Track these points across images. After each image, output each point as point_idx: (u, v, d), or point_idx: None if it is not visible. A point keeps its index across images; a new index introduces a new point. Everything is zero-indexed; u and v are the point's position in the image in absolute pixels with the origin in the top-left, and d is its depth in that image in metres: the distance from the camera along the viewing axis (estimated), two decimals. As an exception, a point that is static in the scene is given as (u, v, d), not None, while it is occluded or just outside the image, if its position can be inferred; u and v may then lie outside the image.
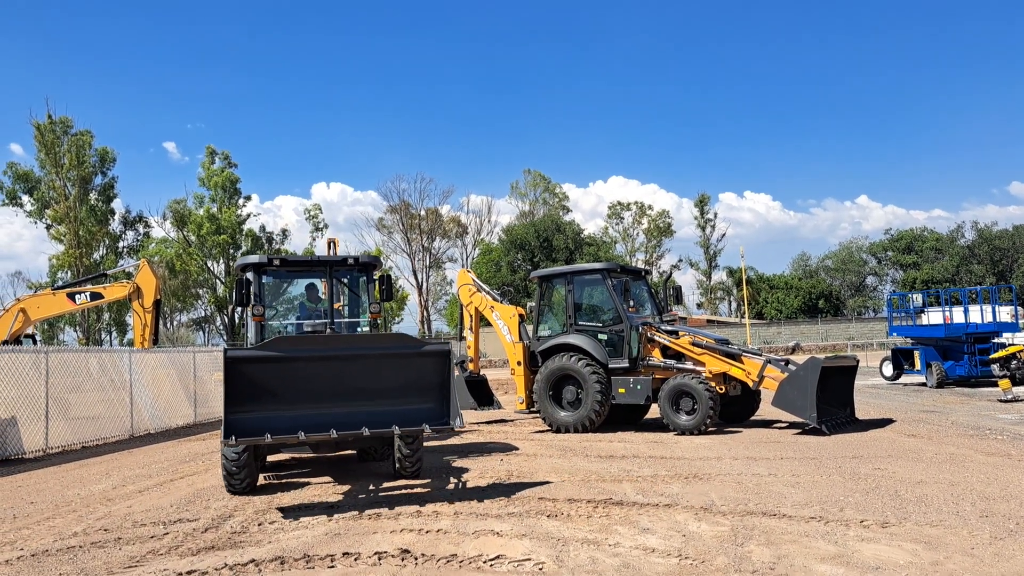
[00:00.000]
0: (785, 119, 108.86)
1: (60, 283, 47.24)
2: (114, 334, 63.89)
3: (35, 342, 21.99)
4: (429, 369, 8.76)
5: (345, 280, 11.12)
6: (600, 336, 14.65)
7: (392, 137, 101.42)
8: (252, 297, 10.45)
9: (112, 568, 6.12)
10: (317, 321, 10.75)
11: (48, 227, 56.69)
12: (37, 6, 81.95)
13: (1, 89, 75.59)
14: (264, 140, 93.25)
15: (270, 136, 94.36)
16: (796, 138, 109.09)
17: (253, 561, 6.10)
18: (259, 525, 7.45)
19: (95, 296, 20.56)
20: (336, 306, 11.05)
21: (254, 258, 10.77)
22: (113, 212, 59.87)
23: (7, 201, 56.11)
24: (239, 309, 11.23)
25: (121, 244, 61.16)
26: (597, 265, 15.27)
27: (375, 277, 11.30)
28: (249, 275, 10.57)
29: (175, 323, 70.77)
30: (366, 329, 10.87)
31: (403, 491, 9.01)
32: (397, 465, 9.74)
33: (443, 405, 8.75)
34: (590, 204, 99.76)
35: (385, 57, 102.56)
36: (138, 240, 62.98)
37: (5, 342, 18.81)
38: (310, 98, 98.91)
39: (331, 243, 13.24)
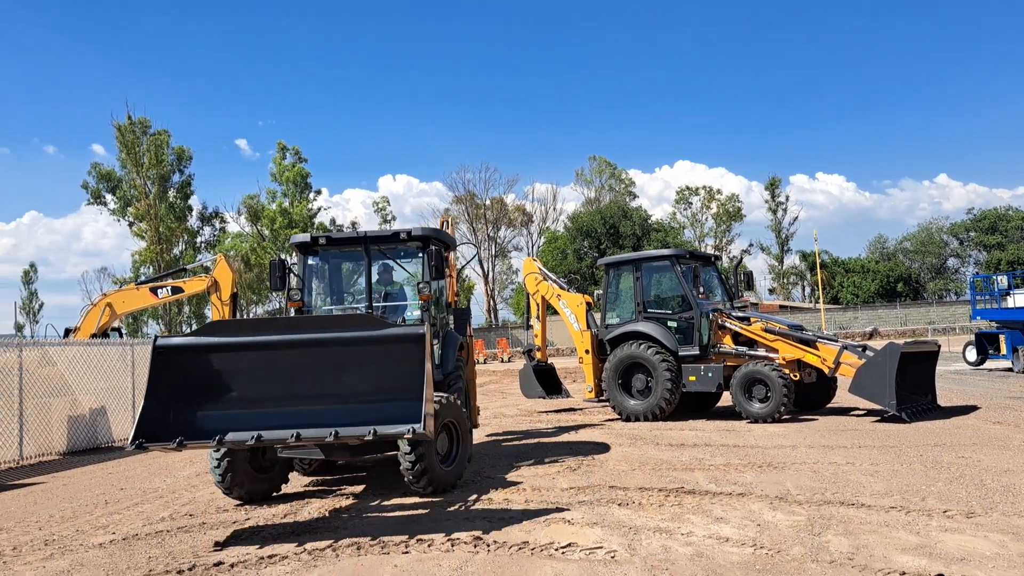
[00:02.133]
0: (857, 97, 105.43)
1: (143, 278, 49.07)
2: (194, 326, 66.12)
3: (121, 335, 22.91)
4: (400, 358, 7.05)
5: (400, 258, 10.00)
6: (669, 323, 14.49)
7: (456, 128, 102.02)
8: (288, 281, 9.61)
9: (198, 551, 6.36)
10: (350, 306, 9.75)
11: (130, 224, 58.89)
12: (115, 10, 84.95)
13: (83, 92, 78.72)
14: (332, 134, 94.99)
15: (337, 130, 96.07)
16: (869, 117, 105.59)
17: (330, 547, 6.26)
18: (334, 513, 7.63)
19: (176, 290, 21.28)
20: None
21: (299, 237, 9.93)
22: (190, 209, 61.81)
23: (92, 200, 58.51)
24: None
25: (199, 240, 63.12)
26: (666, 251, 15.09)
27: (443, 254, 10.32)
28: (284, 256, 9.86)
29: (251, 315, 72.84)
30: (416, 314, 9.52)
31: (472, 479, 9.10)
32: (405, 478, 8.11)
33: (417, 404, 6.79)
34: (656, 189, 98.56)
35: (448, 47, 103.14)
36: (214, 235, 64.91)
37: (93, 335, 19.64)
38: (375, 91, 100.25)
39: (444, 222, 13.02)
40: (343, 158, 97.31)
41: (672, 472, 8.98)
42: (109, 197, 58.49)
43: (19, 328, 69.97)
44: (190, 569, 5.83)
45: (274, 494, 8.58)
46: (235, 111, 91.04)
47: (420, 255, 9.89)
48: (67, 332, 20.99)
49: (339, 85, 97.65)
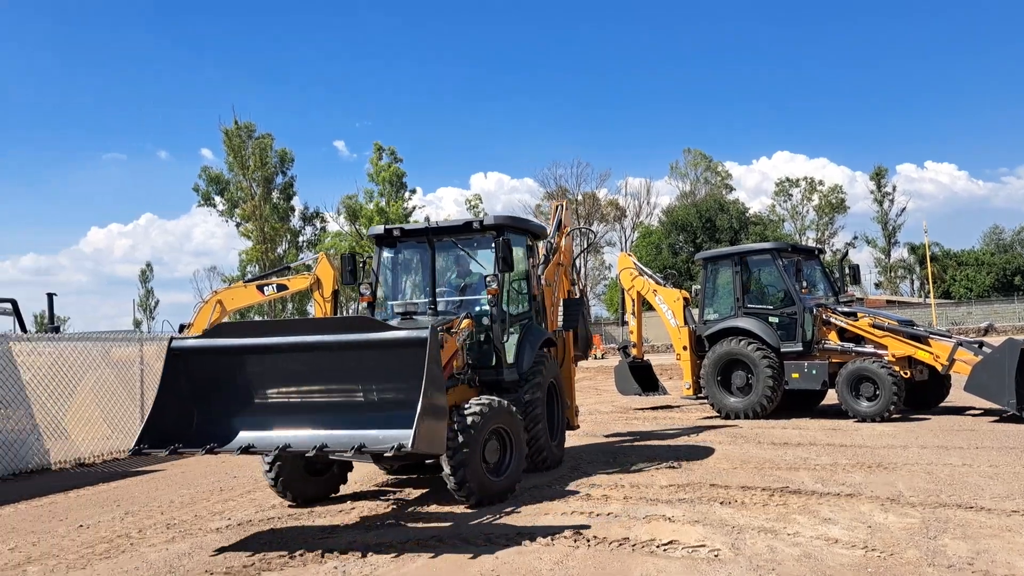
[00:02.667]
0: (967, 81, 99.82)
1: (250, 276, 51.09)
2: (297, 323, 68.36)
3: (231, 331, 23.94)
4: (400, 364, 6.54)
5: (475, 249, 9.44)
6: (771, 319, 14.12)
7: (548, 123, 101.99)
8: (359, 275, 9.35)
9: (308, 538, 6.60)
10: (411, 302, 9.05)
11: (237, 225, 61.43)
12: (221, 19, 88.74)
13: (192, 99, 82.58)
14: (424, 134, 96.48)
15: (430, 130, 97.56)
16: (981, 101, 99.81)
17: (435, 536, 6.39)
18: (438, 503, 7.78)
19: (281, 288, 22.09)
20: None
21: (376, 228, 9.66)
22: (293, 209, 63.96)
23: (202, 202, 61.34)
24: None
25: (300, 239, 65.26)
26: (767, 245, 14.72)
27: (532, 244, 9.95)
28: (354, 251, 9.57)
29: (351, 311, 74.90)
30: (487, 310, 8.91)
31: (569, 475, 9.12)
32: (448, 485, 7.48)
33: (410, 415, 6.10)
34: (754, 182, 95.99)
35: (538, 44, 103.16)
36: (315, 235, 66.96)
37: (205, 331, 20.61)
38: (466, 89, 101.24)
39: (558, 207, 12.25)
40: (436, 157, 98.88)
41: (775, 471, 8.76)
42: (218, 199, 61.17)
43: (137, 324, 74.08)
44: (300, 555, 6.06)
45: (332, 495, 8.26)
46: (333, 114, 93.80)
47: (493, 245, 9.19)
48: (182, 328, 22.10)
49: (431, 84, 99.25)
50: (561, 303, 11.29)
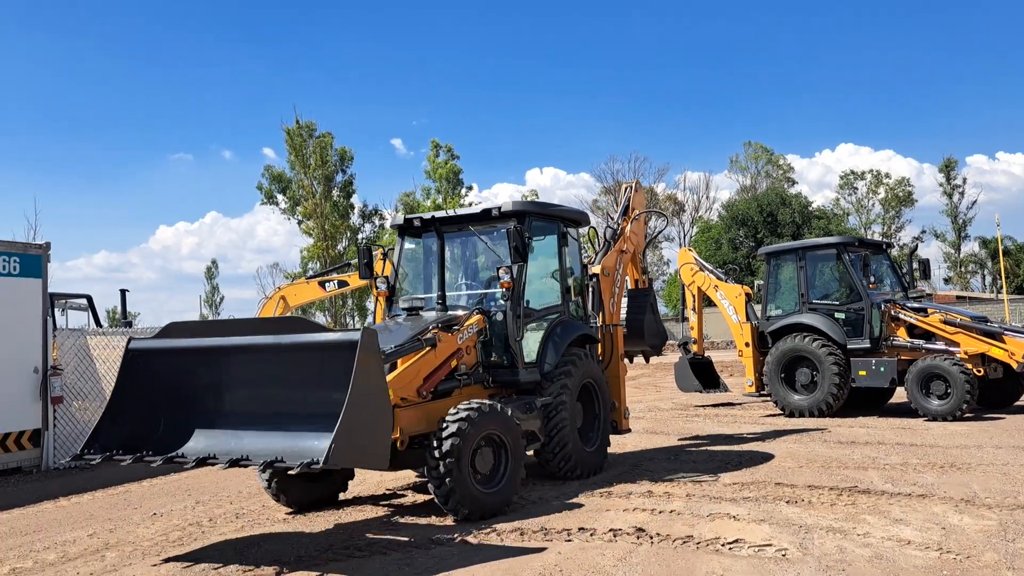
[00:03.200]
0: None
1: (311, 272, 51.98)
2: (356, 317, 69.50)
3: (293, 326, 24.44)
4: (328, 371, 5.88)
5: (494, 238, 8.68)
6: (837, 315, 13.79)
7: (605, 118, 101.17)
8: (376, 268, 8.98)
9: (372, 529, 6.68)
10: (417, 297, 8.68)
11: (299, 222, 62.52)
12: (281, 19, 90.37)
13: (254, 99, 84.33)
14: (479, 130, 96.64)
15: (485, 126, 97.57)
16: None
17: (494, 530, 6.42)
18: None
19: (342, 284, 22.41)
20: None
21: (398, 218, 9.22)
22: (352, 207, 64.79)
23: (265, 200, 62.61)
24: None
25: (360, 236, 66.14)
26: (833, 239, 14.39)
27: (566, 231, 9.09)
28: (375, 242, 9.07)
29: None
30: (501, 304, 8.25)
31: (630, 472, 9.06)
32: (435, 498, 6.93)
33: (329, 429, 5.44)
34: (816, 175, 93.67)
35: (594, 39, 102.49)
36: (375, 232, 67.83)
37: (269, 326, 21.05)
38: (521, 85, 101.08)
39: (627, 187, 11.37)
40: (491, 153, 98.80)
41: (843, 470, 8.56)
42: (280, 197, 62.39)
43: (203, 319, 76.09)
44: (368, 545, 6.15)
45: (339, 498, 7.93)
46: (390, 112, 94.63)
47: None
48: (247, 323, 22.62)
49: (486, 80, 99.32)
50: (625, 294, 10.83)
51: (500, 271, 8.03)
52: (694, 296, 16.52)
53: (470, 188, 67.58)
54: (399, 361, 7.11)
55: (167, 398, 6.53)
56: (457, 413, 6.79)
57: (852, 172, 75.52)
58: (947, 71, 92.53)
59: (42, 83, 76.93)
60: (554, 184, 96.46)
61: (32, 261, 10.90)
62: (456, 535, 6.33)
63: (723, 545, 5.76)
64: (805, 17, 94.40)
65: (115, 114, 79.77)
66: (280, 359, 6.24)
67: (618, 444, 11.10)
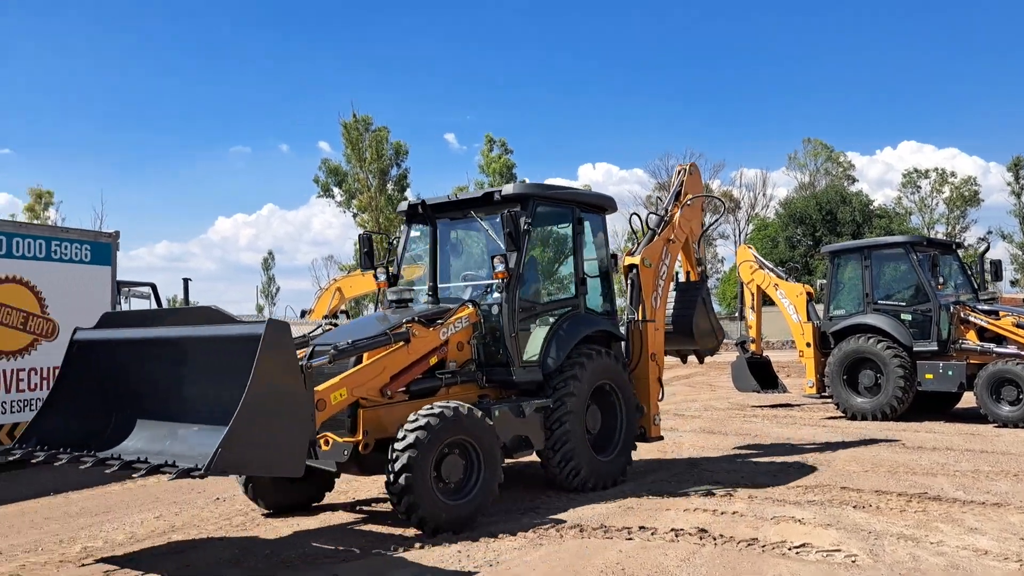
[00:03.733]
0: None
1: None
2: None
3: (348, 317, 24.77)
4: (227, 367, 5.33)
5: (496, 226, 7.82)
6: (902, 316, 13.39)
7: (659, 113, 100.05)
8: (376, 257, 8.44)
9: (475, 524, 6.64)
10: (406, 288, 8.12)
11: (354, 215, 63.27)
12: (336, 15, 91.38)
13: (311, 93, 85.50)
14: (532, 125, 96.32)
15: (537, 120, 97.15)
16: None
17: (554, 527, 6.37)
18: (556, 495, 7.75)
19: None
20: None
21: (403, 204, 8.78)
22: (406, 200, 65.35)
23: (321, 193, 63.53)
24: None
25: (414, 229, 66.62)
26: (899, 238, 14.00)
27: (582, 217, 8.34)
28: (364, 233, 8.39)
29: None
30: (497, 297, 7.62)
31: (690, 471, 8.93)
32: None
33: (217, 431, 4.96)
34: (877, 172, 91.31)
35: (649, 33, 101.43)
36: (428, 225, 68.26)
37: (324, 317, 21.35)
38: (575, 79, 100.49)
39: (680, 170, 10.50)
40: (544, 148, 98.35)
41: (911, 476, 8.30)
42: (336, 190, 63.23)
43: (260, 309, 77.53)
44: (429, 536, 6.15)
45: (314, 504, 7.45)
46: (444, 107, 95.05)
47: (523, 218, 7.71)
48: (303, 313, 23.04)
49: (540, 76, 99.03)
50: (674, 287, 10.07)
51: (494, 260, 7.36)
52: (753, 295, 16.23)
53: (523, 183, 67.49)
54: (365, 356, 6.55)
55: (112, 391, 6.17)
56: (416, 420, 6.12)
57: (915, 170, 73.44)
58: (1013, 67, 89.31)
59: (109, 79, 79.24)
60: (607, 179, 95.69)
61: (102, 249, 11.19)
62: (514, 529, 6.29)
63: (790, 549, 5.62)
64: (865, 12, 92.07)
65: (178, 109, 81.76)
66: (198, 353, 5.79)
67: (673, 443, 11.00)
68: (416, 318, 7.03)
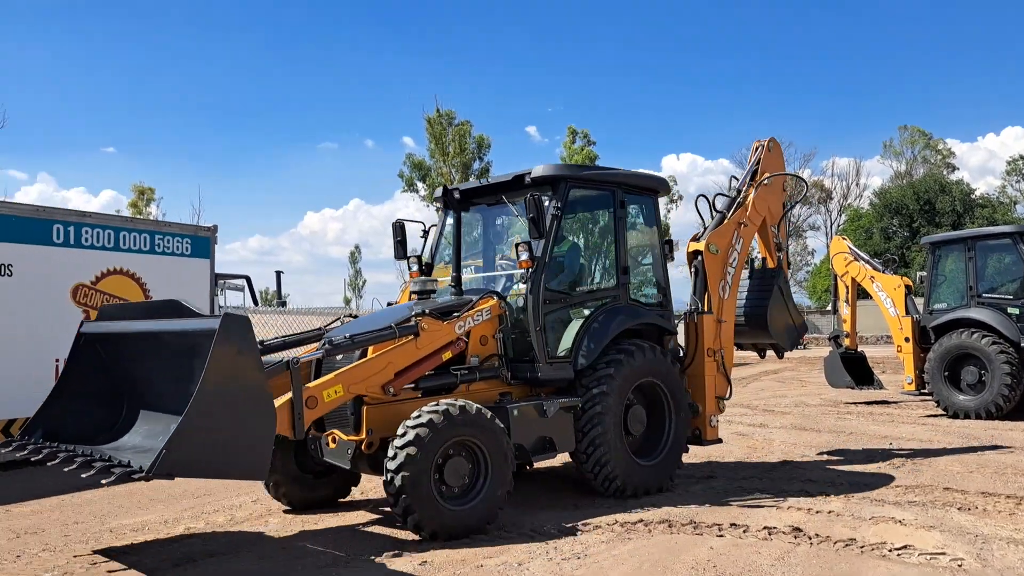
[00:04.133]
0: None
1: (448, 259, 53.06)
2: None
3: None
4: (187, 364, 5.18)
5: (515, 211, 7.47)
6: (1010, 310, 12.70)
7: (746, 103, 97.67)
8: (406, 247, 7.95)
9: (509, 513, 6.71)
10: (430, 279, 7.60)
11: (437, 210, 64.03)
12: (418, 8, 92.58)
13: (395, 89, 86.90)
14: (615, 116, 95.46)
15: (621, 112, 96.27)
16: None
17: (642, 521, 6.31)
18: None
19: (478, 268, 22.95)
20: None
21: (439, 190, 8.24)
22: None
23: (405, 188, 64.55)
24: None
25: (496, 222, 67.03)
26: (1007, 228, 13.30)
27: (625, 200, 7.70)
28: (398, 221, 7.90)
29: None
30: (520, 288, 7.17)
31: (782, 468, 8.71)
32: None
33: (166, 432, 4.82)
34: (979, 160, 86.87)
35: (734, 21, 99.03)
36: (510, 218, 68.57)
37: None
38: (658, 70, 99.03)
39: (758, 147, 9.55)
40: (627, 139, 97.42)
41: (1020, 478, 7.89)
42: (420, 185, 64.17)
43: (347, 301, 79.42)
44: (504, 532, 6.17)
45: (339, 500, 7.28)
46: (525, 100, 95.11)
47: (552, 202, 7.30)
48: (389, 306, 23.41)
49: (622, 67, 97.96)
50: (748, 275, 9.35)
51: (518, 248, 6.88)
52: (847, 287, 15.68)
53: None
54: (370, 351, 6.32)
55: (118, 384, 6.10)
56: (419, 417, 5.79)
57: (1021, 157, 69.61)
58: None
59: (205, 80, 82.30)
60: (691, 170, 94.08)
61: (202, 243, 11.65)
62: (604, 521, 6.26)
63: (890, 551, 5.41)
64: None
65: (269, 107, 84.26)
66: (172, 347, 5.60)
67: (763, 440, 10.75)
68: (427, 311, 6.66)
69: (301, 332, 6.94)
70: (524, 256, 6.85)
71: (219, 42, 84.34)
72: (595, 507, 6.88)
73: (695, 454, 9.62)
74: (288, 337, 6.62)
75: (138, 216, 42.04)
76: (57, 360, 7.40)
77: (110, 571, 5.44)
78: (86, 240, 10.28)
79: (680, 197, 71.24)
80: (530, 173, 7.34)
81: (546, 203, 7.14)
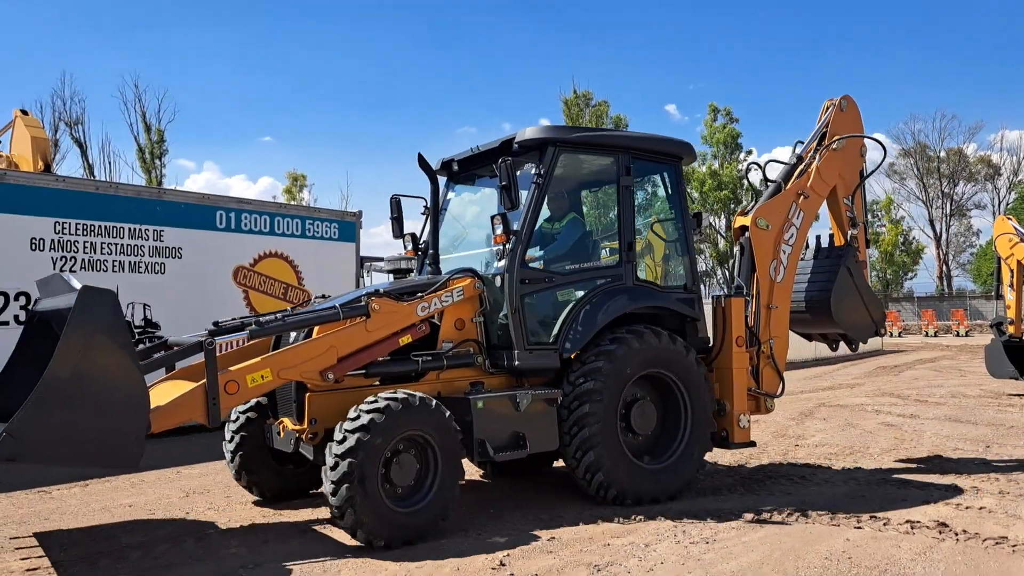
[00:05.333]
0: None
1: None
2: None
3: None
4: (49, 342, 4.80)
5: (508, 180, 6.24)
6: None
7: (903, 73, 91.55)
8: (403, 223, 7.41)
9: (692, 503, 6.73)
10: (406, 257, 7.25)
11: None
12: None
13: (532, 71, 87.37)
14: (759, 92, 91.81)
15: (766, 87, 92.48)
16: None
17: (776, 510, 6.19)
18: (778, 478, 7.53)
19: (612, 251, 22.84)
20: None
21: (437, 163, 7.51)
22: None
23: (543, 170, 65.06)
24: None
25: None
26: None
27: (625, 166, 6.82)
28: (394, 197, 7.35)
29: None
30: (500, 264, 6.35)
31: (929, 460, 8.27)
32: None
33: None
34: None
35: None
36: (646, 199, 67.62)
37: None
38: (805, 41, 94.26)
39: (828, 108, 8.42)
40: (772, 114, 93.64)
41: None
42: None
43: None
44: (634, 518, 6.22)
45: (311, 491, 6.76)
46: (665, 78, 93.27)
47: (533, 168, 6.61)
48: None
49: (767, 41, 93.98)
50: (813, 255, 8.35)
51: (493, 221, 6.22)
52: (1012, 271, 14.55)
53: (749, 152, 64.92)
54: (316, 332, 5.81)
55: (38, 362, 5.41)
56: (367, 407, 5.28)
57: None
58: None
59: (350, 70, 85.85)
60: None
61: (348, 227, 12.30)
62: (733, 509, 6.20)
63: (1047, 552, 5.08)
64: None
65: (410, 95, 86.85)
66: (59, 324, 5.00)
67: (913, 431, 10.26)
68: (382, 291, 6.11)
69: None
70: (499, 230, 6.16)
71: (361, 32, 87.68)
72: (725, 492, 6.83)
73: (829, 444, 9.34)
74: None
75: (292, 202, 44.53)
76: (220, 336, 8.04)
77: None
78: (245, 225, 11.09)
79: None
80: (516, 137, 6.62)
81: (537, 170, 6.48)
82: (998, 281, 15.33)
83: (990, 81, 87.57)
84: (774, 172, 8.24)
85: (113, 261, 9.76)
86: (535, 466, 7.59)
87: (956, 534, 5.48)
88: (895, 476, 7.48)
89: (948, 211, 67.42)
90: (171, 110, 54.44)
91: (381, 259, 20.54)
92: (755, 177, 8.19)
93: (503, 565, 4.94)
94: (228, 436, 6.48)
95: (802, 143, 8.31)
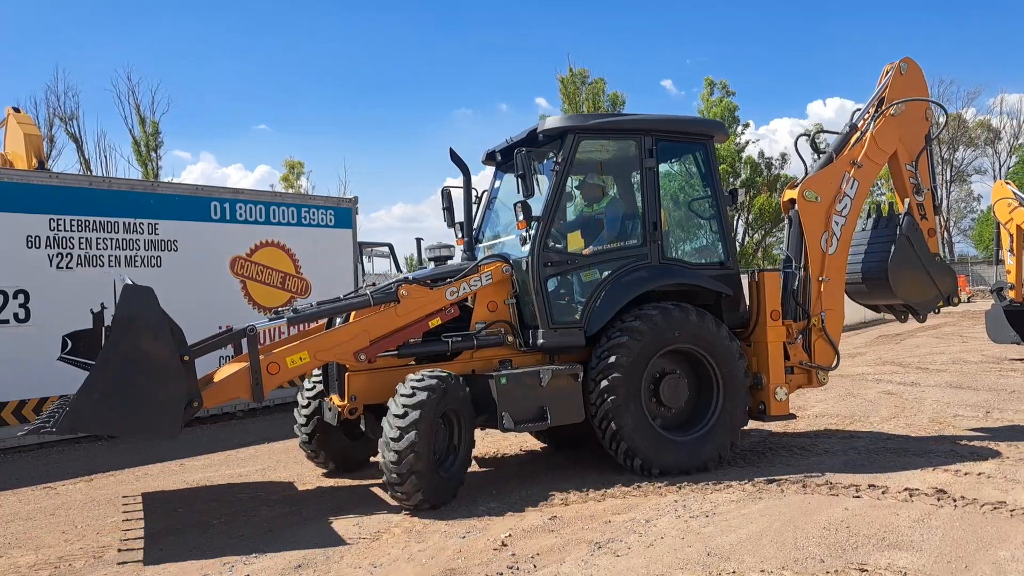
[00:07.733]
0: None
1: (584, 219, 52.95)
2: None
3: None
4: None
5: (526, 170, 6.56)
6: None
7: (900, 39, 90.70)
8: (454, 213, 7.81)
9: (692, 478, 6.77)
10: (445, 244, 7.62)
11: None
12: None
13: (526, 51, 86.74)
14: (757, 64, 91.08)
15: (763, 58, 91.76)
16: None
17: (775, 481, 6.22)
18: (776, 450, 7.56)
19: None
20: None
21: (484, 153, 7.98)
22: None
23: (542, 149, 64.77)
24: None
25: (632, 180, 66.02)
26: None
27: (648, 147, 6.98)
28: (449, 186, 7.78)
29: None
30: (524, 250, 6.69)
31: (929, 425, 8.30)
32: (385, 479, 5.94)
33: None
34: None
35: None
36: (647, 175, 67.24)
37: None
38: (801, 9, 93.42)
39: (887, 72, 8.11)
40: (769, 86, 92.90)
41: None
42: (555, 146, 64.12)
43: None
44: (639, 487, 6.25)
45: (371, 459, 7.30)
46: (662, 53, 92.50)
47: (553, 154, 6.99)
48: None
49: (764, 8, 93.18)
50: (872, 224, 8.18)
51: (516, 208, 6.56)
52: (1011, 236, 14.50)
53: (746, 126, 64.49)
54: (353, 316, 6.40)
55: None
56: (422, 380, 5.78)
57: None
58: None
59: (347, 55, 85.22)
60: (840, 116, 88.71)
61: (344, 214, 12.27)
62: (732, 483, 6.23)
63: (1045, 516, 5.11)
64: None
65: (405, 77, 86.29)
66: None
67: (914, 399, 10.29)
68: (412, 278, 6.68)
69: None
70: (521, 217, 6.53)
71: (352, 16, 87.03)
72: (727, 468, 6.84)
73: (829, 415, 9.37)
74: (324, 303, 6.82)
75: (288, 190, 44.41)
76: (220, 327, 8.04)
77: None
78: (240, 215, 11.07)
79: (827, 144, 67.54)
80: (538, 129, 6.94)
81: (558, 157, 6.78)
82: (997, 246, 15.30)
83: (988, 44, 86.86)
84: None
85: (109, 256, 9.75)
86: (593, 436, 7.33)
87: (954, 500, 5.51)
88: (894, 444, 7.51)
89: (948, 177, 67.09)
90: (165, 102, 53.80)
91: (382, 244, 20.56)
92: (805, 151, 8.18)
93: (504, 546, 4.98)
94: (297, 415, 7.12)
95: (859, 110, 8.17)
